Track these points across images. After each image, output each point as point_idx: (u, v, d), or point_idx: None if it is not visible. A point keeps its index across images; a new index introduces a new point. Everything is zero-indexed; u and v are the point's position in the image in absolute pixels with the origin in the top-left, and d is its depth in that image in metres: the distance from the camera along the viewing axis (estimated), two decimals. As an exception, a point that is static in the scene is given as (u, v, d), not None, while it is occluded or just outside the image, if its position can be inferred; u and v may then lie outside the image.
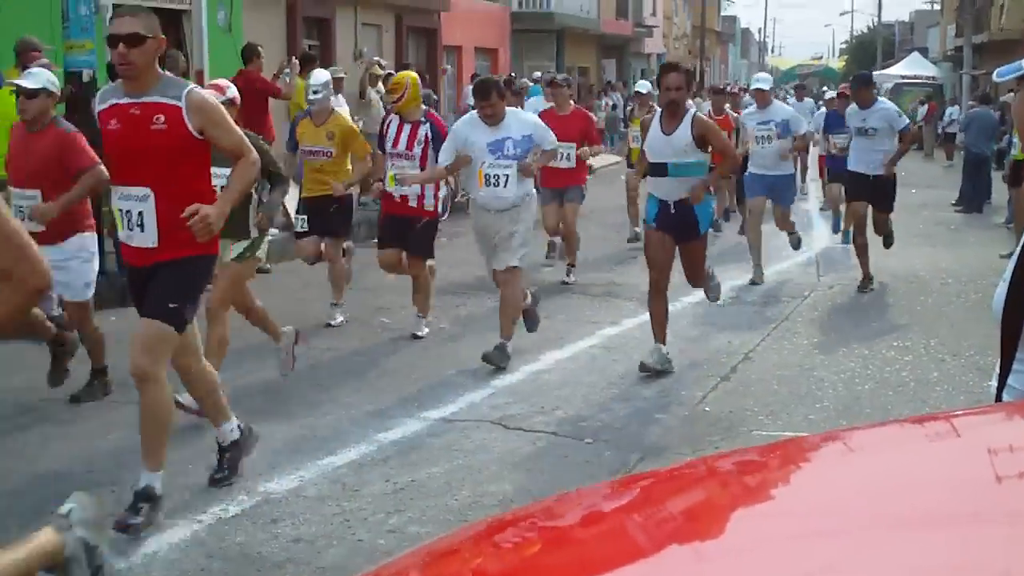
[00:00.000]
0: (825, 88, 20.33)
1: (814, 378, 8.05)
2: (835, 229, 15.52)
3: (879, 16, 71.74)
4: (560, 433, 6.69)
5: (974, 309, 10.16)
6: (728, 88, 20.53)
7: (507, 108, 8.36)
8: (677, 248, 8.23)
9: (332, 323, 9.49)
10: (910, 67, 47.00)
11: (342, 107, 15.08)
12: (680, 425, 6.94)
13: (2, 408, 7.03)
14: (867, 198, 11.46)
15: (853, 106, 11.76)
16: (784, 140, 11.96)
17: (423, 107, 9.12)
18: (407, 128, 8.96)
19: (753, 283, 11.79)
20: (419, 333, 9.23)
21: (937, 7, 60.63)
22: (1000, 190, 18.20)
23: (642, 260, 13.01)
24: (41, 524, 5.13)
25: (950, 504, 1.70)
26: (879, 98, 11.75)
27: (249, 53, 13.37)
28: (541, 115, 11.91)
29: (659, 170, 8.11)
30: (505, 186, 8.15)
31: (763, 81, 12.73)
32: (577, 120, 11.87)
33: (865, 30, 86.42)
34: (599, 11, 36.31)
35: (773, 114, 12.18)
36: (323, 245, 9.59)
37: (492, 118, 8.16)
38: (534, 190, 8.61)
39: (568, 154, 11.42)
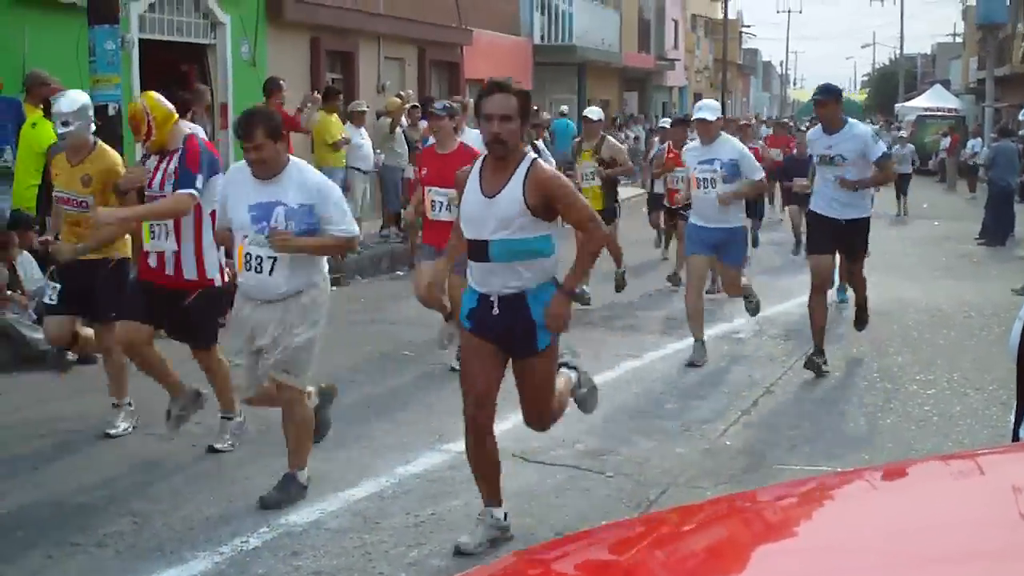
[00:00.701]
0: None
1: (836, 412, 8.02)
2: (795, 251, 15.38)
3: (901, 49, 71.91)
4: (581, 467, 6.68)
5: (997, 343, 10.10)
6: (743, 121, 19.98)
7: (293, 160, 5.94)
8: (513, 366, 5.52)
9: (111, 432, 7.10)
10: (932, 99, 47.08)
11: (365, 140, 15.21)
12: (701, 459, 6.92)
13: (26, 440, 7.07)
14: (833, 248, 9.32)
15: (816, 130, 9.54)
16: (729, 185, 9.37)
17: (184, 130, 6.73)
18: (165, 162, 6.63)
19: (692, 364, 9.37)
20: (220, 445, 6.86)
21: (959, 40, 60.72)
22: (1024, 223, 18.17)
23: (666, 295, 13.13)
24: (65, 555, 5.17)
25: (972, 543, 1.70)
26: (849, 120, 9.36)
27: (270, 87, 13.47)
28: (421, 155, 10.05)
29: (478, 251, 5.30)
30: (271, 273, 5.79)
31: (708, 110, 9.71)
32: (462, 160, 7.64)
33: (887, 62, 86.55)
34: (621, 44, 36.42)
35: (718, 151, 9.48)
36: (85, 329, 7.49)
37: (260, 167, 5.75)
38: (323, 279, 6.10)
39: (450, 204, 8.53)
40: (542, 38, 30.40)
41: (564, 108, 23.87)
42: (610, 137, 12.92)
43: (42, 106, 9.96)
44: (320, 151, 14.29)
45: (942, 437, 7.38)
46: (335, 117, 14.52)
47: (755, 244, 16.38)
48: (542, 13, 30.39)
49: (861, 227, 9.24)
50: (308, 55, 18.19)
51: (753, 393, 8.51)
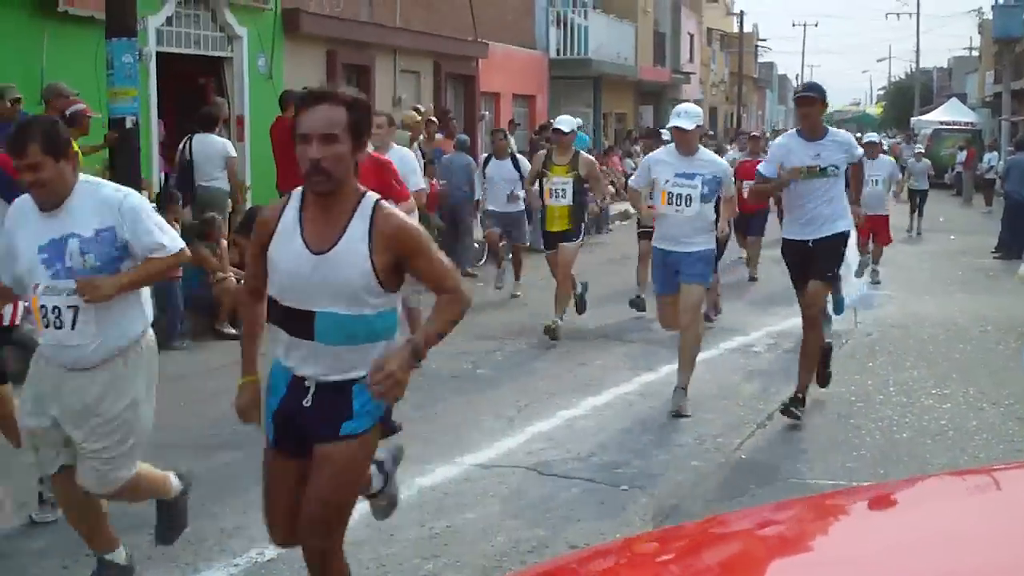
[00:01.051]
0: (860, 134, 20.19)
1: (851, 426, 7.99)
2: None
3: (917, 62, 71.79)
4: (596, 480, 6.68)
5: (1014, 357, 10.08)
6: (752, 133, 19.21)
7: (83, 179, 4.62)
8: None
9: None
10: (948, 113, 46.98)
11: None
12: (716, 472, 6.92)
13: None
14: (808, 276, 8.05)
15: (792, 138, 8.25)
16: (708, 206, 8.28)
17: None
18: None
19: (678, 414, 8.12)
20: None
21: (975, 54, 60.61)
22: (1040, 237, 18.08)
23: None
24: (81, 566, 5.18)
25: (987, 558, 1.70)
26: (828, 127, 8.27)
27: (286, 100, 13.50)
28: None
29: (296, 324, 3.95)
30: (72, 327, 4.52)
31: (686, 117, 8.18)
32: (365, 169, 6.81)
33: (903, 76, 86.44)
34: (637, 58, 36.43)
35: (702, 167, 8.23)
36: None
37: (40, 193, 4.51)
38: (143, 330, 4.75)
39: None
40: (558, 52, 30.44)
41: (579, 122, 23.87)
42: (583, 152, 12.06)
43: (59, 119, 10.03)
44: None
45: (958, 451, 7.36)
46: (351, 130, 14.56)
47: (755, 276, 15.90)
48: (558, 27, 30.43)
49: (829, 246, 8.01)
50: (324, 68, 18.25)
51: (768, 407, 8.49)
